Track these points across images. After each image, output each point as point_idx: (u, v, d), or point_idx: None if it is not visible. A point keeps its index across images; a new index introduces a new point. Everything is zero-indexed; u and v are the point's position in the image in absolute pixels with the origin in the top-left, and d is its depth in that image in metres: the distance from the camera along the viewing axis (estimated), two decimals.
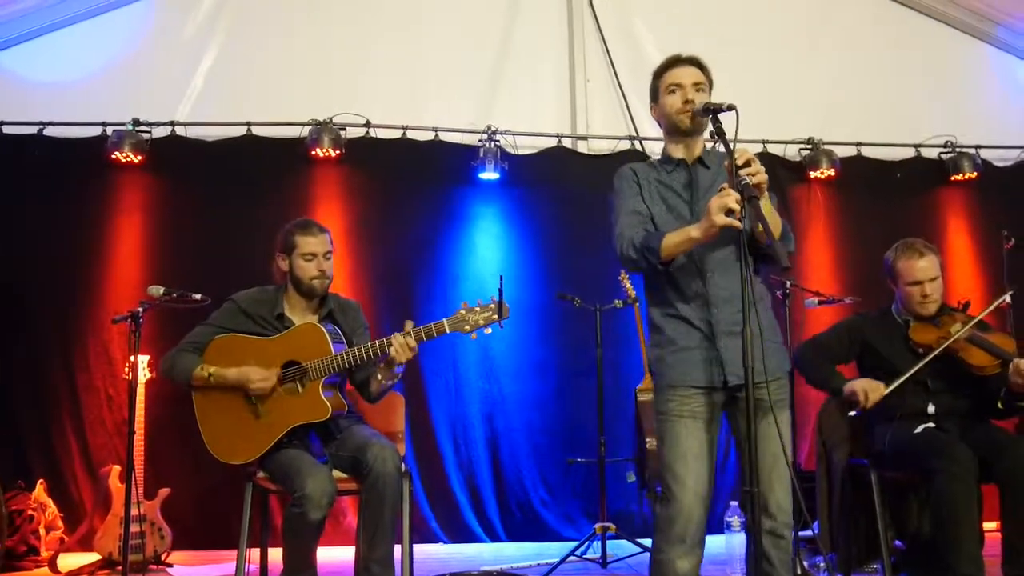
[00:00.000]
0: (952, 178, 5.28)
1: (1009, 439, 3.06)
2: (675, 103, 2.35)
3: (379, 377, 2.96)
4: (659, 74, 2.42)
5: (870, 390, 3.04)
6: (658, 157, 2.50)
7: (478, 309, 2.81)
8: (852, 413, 3.11)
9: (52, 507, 4.28)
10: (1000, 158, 5.43)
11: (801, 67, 5.37)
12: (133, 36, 4.98)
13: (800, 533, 3.60)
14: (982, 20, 5.53)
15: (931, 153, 5.36)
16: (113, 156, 4.64)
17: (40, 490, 4.24)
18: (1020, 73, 5.64)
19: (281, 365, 2.95)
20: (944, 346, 3.08)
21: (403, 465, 2.90)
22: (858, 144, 5.30)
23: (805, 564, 3.55)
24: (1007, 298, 3.44)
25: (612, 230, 2.38)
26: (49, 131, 4.73)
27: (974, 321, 3.15)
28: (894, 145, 5.33)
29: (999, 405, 3.14)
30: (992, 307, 3.28)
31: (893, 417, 3.13)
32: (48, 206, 4.68)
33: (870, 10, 5.54)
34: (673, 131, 2.40)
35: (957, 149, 5.30)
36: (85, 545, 4.00)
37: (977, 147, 5.31)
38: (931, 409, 3.16)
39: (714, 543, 4.27)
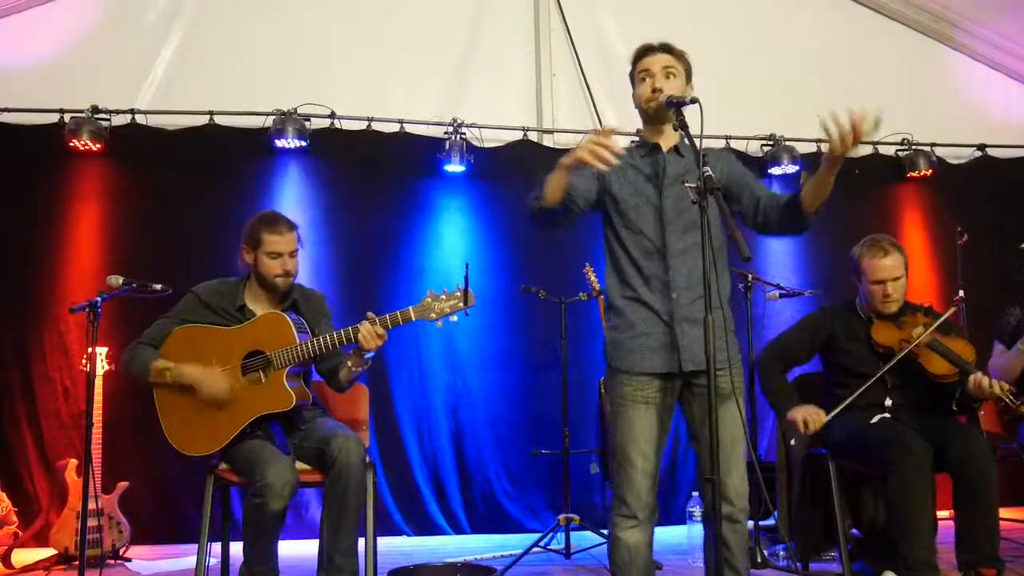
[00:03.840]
0: (908, 175, 5.41)
1: (962, 430, 3.13)
2: (644, 91, 2.37)
3: (349, 364, 2.94)
4: (633, 62, 2.43)
5: (810, 419, 3.08)
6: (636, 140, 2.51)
7: (444, 297, 2.81)
8: (792, 443, 3.16)
9: (6, 501, 4.19)
10: (955, 156, 5.57)
11: (764, 64, 5.45)
12: (92, 21, 4.88)
13: (760, 522, 3.67)
14: (939, 21, 5.66)
15: (888, 150, 5.47)
16: (71, 143, 4.54)
17: None
18: (975, 73, 5.78)
19: (244, 355, 2.91)
20: (905, 352, 3.13)
21: (367, 456, 2.88)
22: (818, 141, 5.38)
23: (765, 552, 3.62)
24: (960, 294, 3.52)
25: None
26: (4, 117, 4.61)
27: (935, 325, 3.18)
28: None
29: (953, 407, 3.21)
30: (951, 312, 3.35)
31: (851, 408, 3.19)
32: (3, 194, 4.58)
33: (831, 9, 5.64)
34: (646, 119, 2.43)
35: (913, 147, 5.43)
36: (40, 540, 3.93)
37: (932, 145, 5.44)
38: (888, 402, 3.22)
39: (676, 533, 4.36)
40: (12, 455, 4.39)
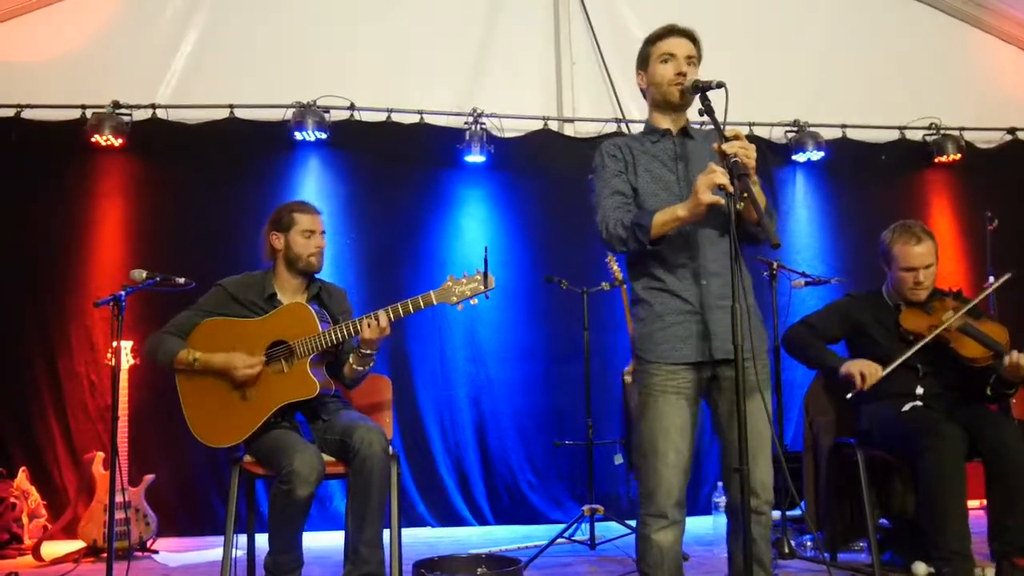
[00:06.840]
0: (936, 160, 5.31)
1: (994, 417, 3.07)
2: (667, 73, 2.32)
3: (351, 361, 2.97)
4: (652, 41, 2.37)
5: (867, 372, 3.03)
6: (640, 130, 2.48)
7: (464, 280, 2.84)
8: (849, 396, 3.10)
9: (35, 494, 4.23)
10: (984, 140, 5.46)
11: (787, 49, 5.36)
12: (112, 17, 4.90)
13: (788, 512, 3.63)
14: (967, 2, 5.54)
15: (915, 135, 5.38)
16: (93, 139, 4.58)
17: (22, 477, 4.19)
18: (1005, 56, 5.65)
19: (267, 346, 2.93)
20: (935, 334, 3.08)
21: (390, 447, 2.88)
22: (843, 126, 5.30)
23: (792, 543, 3.58)
24: (1000, 280, 3.45)
25: (594, 210, 2.36)
26: (27, 114, 4.65)
27: (965, 308, 3.12)
28: (879, 127, 5.34)
29: (988, 392, 3.14)
30: (985, 294, 3.29)
31: (881, 397, 3.13)
32: (27, 190, 4.62)
33: None
34: (660, 102, 2.38)
35: (941, 131, 5.32)
36: (69, 532, 3.97)
37: (961, 129, 5.33)
38: (919, 391, 3.16)
39: (702, 524, 4.32)
40: (40, 449, 4.44)
